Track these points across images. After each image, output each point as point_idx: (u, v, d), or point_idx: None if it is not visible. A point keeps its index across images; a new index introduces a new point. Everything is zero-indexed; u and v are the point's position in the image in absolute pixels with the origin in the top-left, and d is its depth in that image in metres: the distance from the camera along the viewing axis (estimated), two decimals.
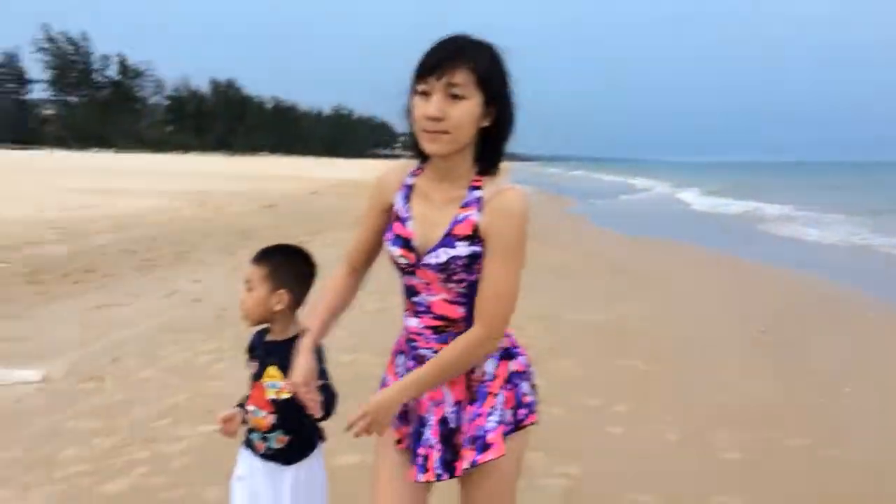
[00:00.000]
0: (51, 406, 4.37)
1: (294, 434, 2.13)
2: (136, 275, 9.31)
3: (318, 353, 1.96)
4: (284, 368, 2.00)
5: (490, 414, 1.82)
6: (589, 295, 8.82)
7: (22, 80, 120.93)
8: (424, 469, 1.82)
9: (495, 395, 1.84)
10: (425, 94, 1.68)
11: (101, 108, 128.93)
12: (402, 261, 1.82)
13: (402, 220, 1.83)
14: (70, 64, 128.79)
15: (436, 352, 1.82)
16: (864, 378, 5.66)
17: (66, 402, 4.44)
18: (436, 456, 1.82)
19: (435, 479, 1.83)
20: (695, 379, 5.49)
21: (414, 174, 1.87)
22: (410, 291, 1.86)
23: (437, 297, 1.82)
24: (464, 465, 1.81)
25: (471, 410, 1.83)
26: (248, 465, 2.20)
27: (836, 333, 7.32)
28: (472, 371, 1.84)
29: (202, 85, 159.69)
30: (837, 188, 44.14)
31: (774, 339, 6.87)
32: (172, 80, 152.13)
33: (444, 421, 1.83)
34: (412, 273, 1.82)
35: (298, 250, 2.20)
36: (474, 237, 1.75)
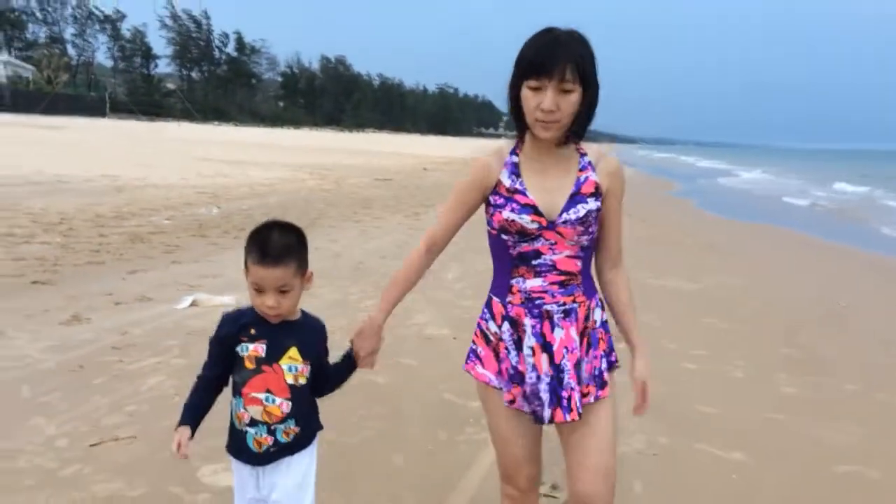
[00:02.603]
0: None
1: (304, 423, 2.04)
2: None
3: (323, 333, 2.11)
4: (304, 350, 2.01)
5: (603, 356, 2.14)
6: (681, 266, 9.66)
7: (148, 56, 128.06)
8: (569, 409, 2.05)
9: (602, 339, 2.15)
10: (537, 88, 1.90)
11: (220, 82, 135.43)
12: (533, 225, 2.01)
13: (521, 192, 2.04)
14: (192, 41, 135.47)
15: (562, 304, 2.06)
16: None
17: None
18: (576, 397, 2.05)
19: (578, 417, 2.05)
20: (769, 338, 6.32)
21: (514, 153, 2.10)
22: (529, 256, 2.05)
23: (562, 255, 2.04)
24: (590, 399, 2.09)
25: (591, 353, 2.11)
26: (256, 481, 2.06)
27: None
28: (587, 318, 2.11)
29: (313, 61, 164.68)
30: None
31: (852, 312, 7.58)
32: (285, 57, 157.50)
33: (577, 364, 2.07)
34: (537, 237, 2.03)
35: (291, 225, 2.04)
36: (596, 193, 2.05)
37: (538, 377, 2.04)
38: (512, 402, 2.11)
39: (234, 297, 6.33)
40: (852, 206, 22.58)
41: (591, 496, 2.07)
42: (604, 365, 2.13)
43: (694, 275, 9.06)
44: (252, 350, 1.96)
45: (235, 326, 2.00)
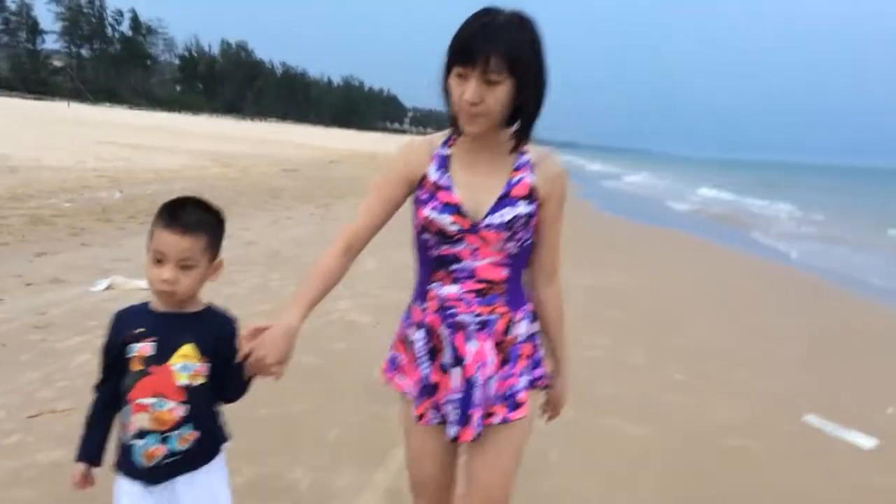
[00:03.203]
0: None
1: (204, 429, 1.78)
2: None
3: (231, 328, 1.81)
4: (204, 346, 1.76)
5: (521, 374, 1.93)
6: (586, 265, 10.19)
7: (35, 30, 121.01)
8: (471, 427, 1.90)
9: (526, 356, 1.95)
10: (462, 76, 1.70)
11: (112, 62, 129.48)
12: (454, 227, 1.82)
13: (446, 189, 1.83)
14: (83, 16, 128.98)
15: (478, 314, 1.87)
16: (797, 331, 7.06)
17: None
18: (477, 415, 1.88)
19: (474, 437, 1.88)
20: (665, 329, 6.85)
21: (446, 144, 1.89)
22: (448, 260, 1.86)
23: (484, 262, 1.85)
24: (495, 420, 1.90)
25: (504, 370, 1.91)
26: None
27: (784, 301, 8.74)
28: (506, 332, 1.90)
29: (213, 45, 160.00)
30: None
31: (735, 309, 8.27)
32: (182, 39, 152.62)
33: (487, 382, 1.88)
34: (458, 240, 1.83)
35: (211, 205, 1.82)
36: (530, 197, 1.84)
37: (447, 393, 1.90)
38: (421, 417, 1.94)
39: None
40: (726, 210, 24.41)
41: None
42: (521, 384, 1.92)
43: (598, 272, 9.61)
44: (139, 350, 1.72)
45: (122, 326, 1.76)
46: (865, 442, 4.26)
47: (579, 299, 7.73)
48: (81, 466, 1.79)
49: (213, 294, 1.83)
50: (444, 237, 1.83)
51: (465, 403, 1.87)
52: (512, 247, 1.86)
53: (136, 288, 6.12)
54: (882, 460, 4.06)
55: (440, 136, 1.92)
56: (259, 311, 5.74)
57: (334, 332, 5.46)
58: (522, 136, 1.84)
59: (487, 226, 1.81)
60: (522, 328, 1.94)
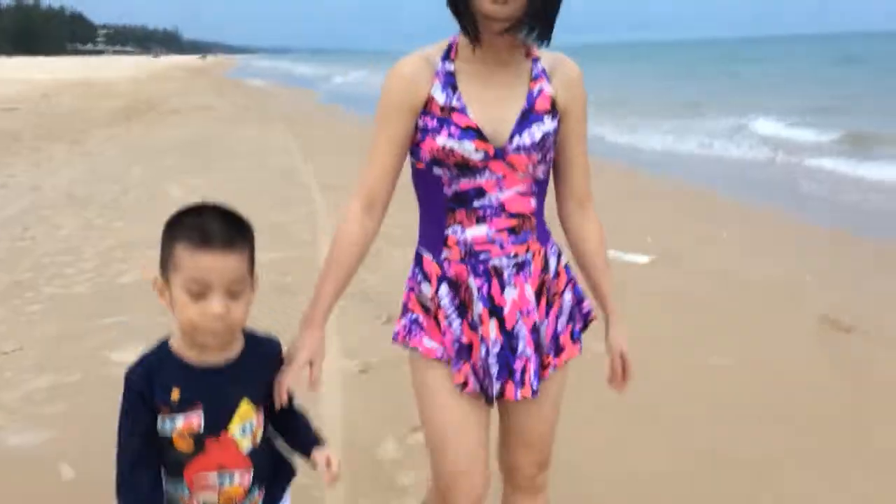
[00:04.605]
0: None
1: (269, 482, 1.53)
2: None
3: (280, 357, 1.52)
4: (257, 399, 1.45)
5: (559, 315, 1.73)
6: None
7: None
8: (522, 384, 1.65)
9: (561, 294, 1.74)
10: None
11: None
12: (478, 155, 1.57)
13: (459, 111, 1.58)
14: None
15: (513, 256, 1.63)
16: None
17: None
18: (532, 368, 1.65)
19: (532, 394, 1.65)
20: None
21: (448, 58, 1.62)
22: (471, 196, 1.60)
23: (511, 192, 1.61)
24: (548, 372, 1.71)
25: (552, 314, 1.72)
26: None
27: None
28: (544, 270, 1.69)
29: None
30: None
31: None
32: None
33: (535, 329, 1.66)
34: (481, 170, 1.59)
35: (234, 211, 1.39)
36: (553, 110, 1.63)
37: (487, 348, 1.63)
38: (464, 384, 1.65)
39: None
40: None
41: (520, 467, 1.80)
42: (559, 327, 1.73)
43: None
44: (183, 426, 1.36)
45: (147, 391, 1.35)
46: (642, 259, 5.73)
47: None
48: None
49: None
50: (465, 168, 1.58)
51: (509, 355, 1.63)
52: (542, 171, 1.66)
53: None
54: (655, 270, 5.53)
55: (436, 49, 1.64)
56: (108, 247, 5.93)
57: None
58: (545, 33, 1.57)
59: (517, 148, 1.58)
60: (552, 263, 1.73)
